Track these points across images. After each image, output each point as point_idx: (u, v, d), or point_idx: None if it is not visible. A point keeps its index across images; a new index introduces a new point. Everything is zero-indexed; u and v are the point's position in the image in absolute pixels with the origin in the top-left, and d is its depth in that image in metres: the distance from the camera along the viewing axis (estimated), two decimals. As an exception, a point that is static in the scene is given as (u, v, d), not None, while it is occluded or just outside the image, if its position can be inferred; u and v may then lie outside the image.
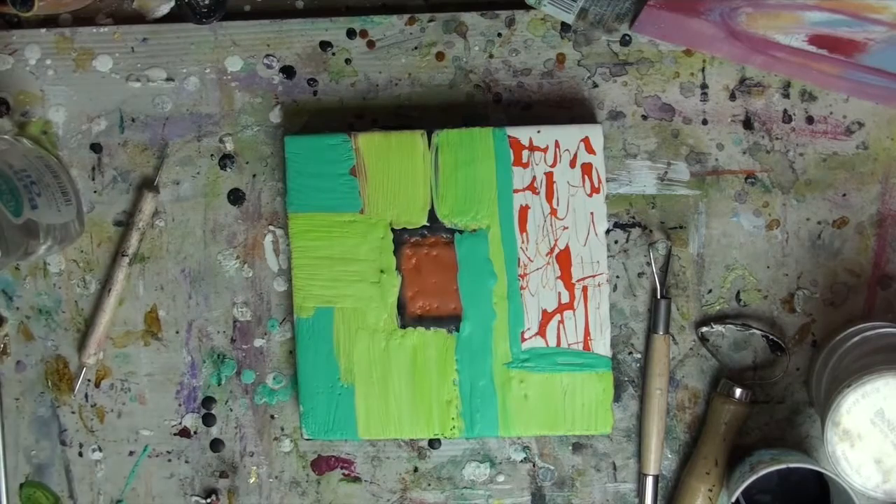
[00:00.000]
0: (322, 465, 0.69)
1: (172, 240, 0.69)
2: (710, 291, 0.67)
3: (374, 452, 0.69)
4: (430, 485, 0.69)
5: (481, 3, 0.69)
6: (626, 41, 0.67)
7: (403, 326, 0.65)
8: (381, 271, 0.65)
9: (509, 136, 0.64)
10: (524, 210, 0.65)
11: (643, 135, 0.67)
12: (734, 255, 0.67)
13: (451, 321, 0.65)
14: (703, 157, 0.67)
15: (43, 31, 0.68)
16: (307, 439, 0.66)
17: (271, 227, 0.68)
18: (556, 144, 0.64)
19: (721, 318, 0.67)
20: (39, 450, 0.70)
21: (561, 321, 0.65)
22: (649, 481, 0.67)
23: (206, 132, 0.68)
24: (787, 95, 0.67)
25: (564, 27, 0.67)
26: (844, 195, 0.67)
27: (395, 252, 0.65)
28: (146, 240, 0.69)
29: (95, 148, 0.69)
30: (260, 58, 0.68)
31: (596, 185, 0.64)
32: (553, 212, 0.64)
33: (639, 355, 0.68)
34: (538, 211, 0.65)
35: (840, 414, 0.57)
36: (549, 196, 0.64)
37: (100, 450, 0.69)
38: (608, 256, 0.65)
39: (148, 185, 0.68)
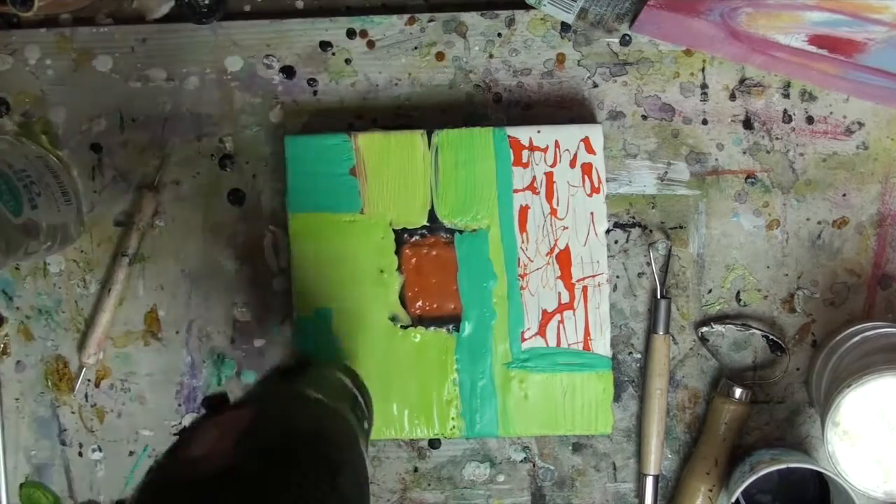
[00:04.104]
0: (322, 465, 0.69)
1: (172, 240, 0.69)
2: (710, 291, 0.67)
3: (373, 452, 0.69)
4: (430, 485, 0.69)
5: (481, 3, 0.68)
6: (626, 41, 0.67)
7: (403, 327, 0.65)
8: (381, 271, 0.65)
9: (509, 136, 0.64)
10: (524, 210, 0.65)
11: (643, 135, 0.67)
12: (734, 255, 0.67)
13: (451, 321, 0.65)
14: (703, 157, 0.67)
15: (43, 31, 0.68)
16: (307, 439, 0.66)
17: (271, 227, 0.68)
18: (556, 144, 0.64)
19: (721, 318, 0.67)
20: (39, 450, 0.70)
21: (561, 321, 0.65)
22: (649, 481, 0.67)
23: (206, 132, 0.68)
24: (787, 95, 0.67)
25: (564, 27, 0.67)
26: (844, 195, 0.67)
27: (396, 252, 0.65)
28: (146, 240, 0.69)
29: (95, 148, 0.69)
30: (260, 58, 0.68)
31: (596, 185, 0.64)
32: (553, 212, 0.64)
33: (639, 355, 0.68)
34: (538, 211, 0.65)
35: (840, 414, 0.57)
36: (549, 196, 0.64)
37: (100, 450, 0.69)
38: (608, 256, 0.65)
39: (148, 185, 0.68)
